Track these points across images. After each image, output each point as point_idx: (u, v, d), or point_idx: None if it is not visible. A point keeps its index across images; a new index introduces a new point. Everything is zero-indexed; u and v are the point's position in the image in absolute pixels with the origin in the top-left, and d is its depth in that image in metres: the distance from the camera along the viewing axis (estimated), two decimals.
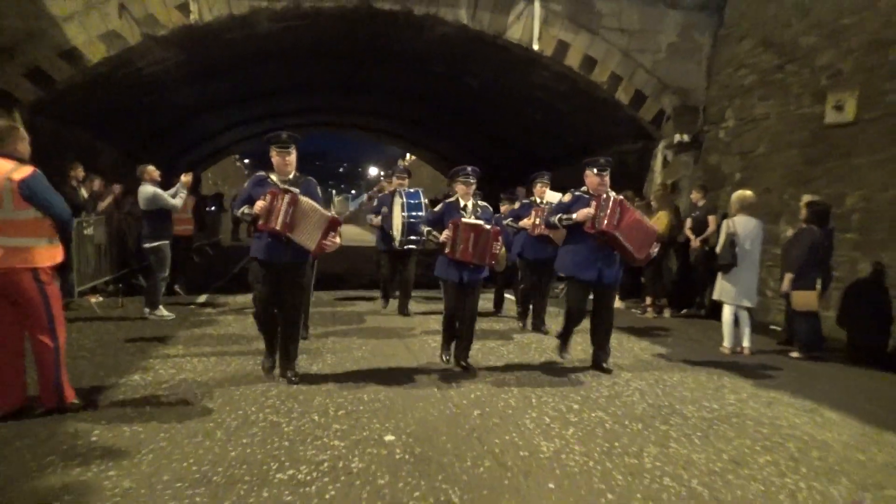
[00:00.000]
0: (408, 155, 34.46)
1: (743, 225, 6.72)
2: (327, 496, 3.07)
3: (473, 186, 5.47)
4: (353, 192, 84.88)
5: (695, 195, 8.94)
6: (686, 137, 10.05)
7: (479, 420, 4.21)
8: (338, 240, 4.69)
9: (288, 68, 12.63)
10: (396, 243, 7.61)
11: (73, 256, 7.72)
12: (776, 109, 8.71)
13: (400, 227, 7.44)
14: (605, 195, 5.27)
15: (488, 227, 5.21)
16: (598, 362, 5.63)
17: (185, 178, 7.69)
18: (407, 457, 3.56)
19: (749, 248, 6.64)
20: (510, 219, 7.32)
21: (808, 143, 8.11)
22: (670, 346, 6.80)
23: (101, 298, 8.58)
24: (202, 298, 9.10)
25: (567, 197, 5.54)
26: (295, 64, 12.34)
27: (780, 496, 3.23)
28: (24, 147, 4.00)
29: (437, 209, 5.63)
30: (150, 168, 7.33)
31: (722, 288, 6.80)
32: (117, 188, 9.82)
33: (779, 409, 4.68)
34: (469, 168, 5.47)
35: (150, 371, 5.19)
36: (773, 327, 7.92)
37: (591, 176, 5.47)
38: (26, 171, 3.87)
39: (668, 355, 6.39)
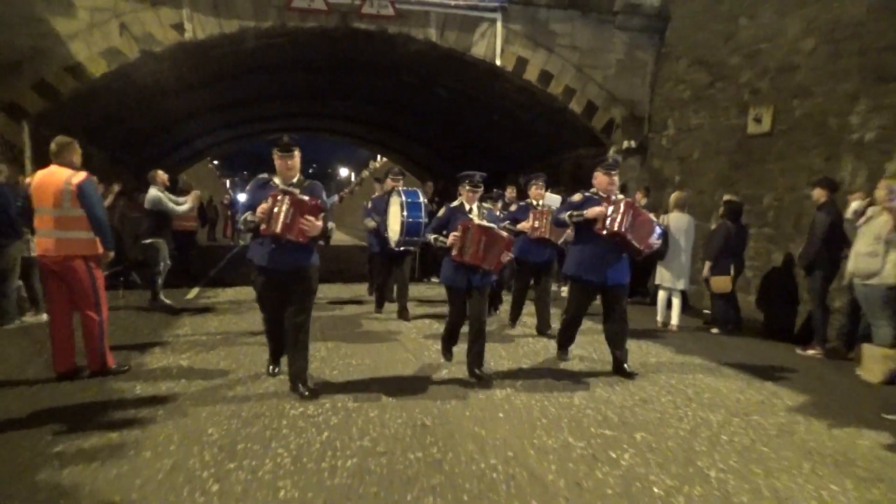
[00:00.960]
0: (379, 157, 35.40)
1: (676, 220, 7.90)
2: (332, 422, 4.06)
3: (479, 193, 5.38)
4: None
5: (638, 196, 10.11)
6: (633, 144, 11.24)
7: (447, 376, 5.25)
8: (318, 223, 4.32)
9: (271, 78, 13.52)
10: (393, 244, 7.36)
11: None
12: (708, 120, 9.94)
13: (398, 228, 7.18)
14: (615, 198, 5.26)
15: (504, 234, 5.14)
16: (619, 366, 5.49)
17: (197, 192, 8.69)
18: (391, 399, 4.57)
19: (679, 239, 7.80)
20: (507, 221, 7.07)
21: (733, 150, 9.33)
22: None
23: None
24: (195, 291, 9.95)
25: (577, 197, 5.45)
26: (277, 74, 13.24)
27: (671, 420, 4.33)
28: (78, 158, 4.91)
29: (440, 214, 5.45)
30: (160, 173, 8.20)
31: (660, 274, 7.98)
32: (116, 188, 10.58)
33: (688, 368, 5.81)
34: (478, 175, 5.34)
35: (168, 346, 6.10)
36: (705, 311, 9.10)
37: (600, 176, 5.38)
38: (81, 175, 4.79)
39: None
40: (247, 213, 4.47)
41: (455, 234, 5.02)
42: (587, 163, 12.01)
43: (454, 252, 5.02)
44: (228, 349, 6.01)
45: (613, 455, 3.66)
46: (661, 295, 8.00)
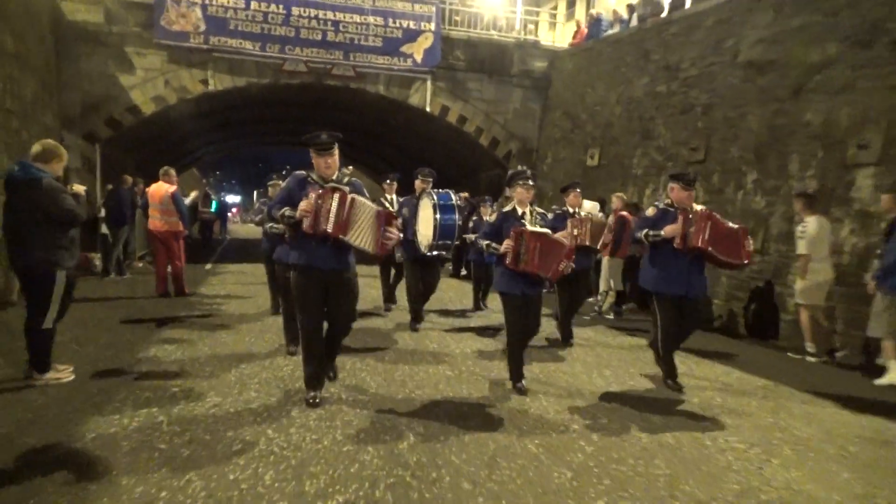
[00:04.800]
0: (351, 168, 39.49)
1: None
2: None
3: (533, 192, 5.18)
4: None
5: None
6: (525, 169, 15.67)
7: (416, 334, 9.55)
8: (397, 233, 4.35)
9: (261, 110, 17.73)
10: (424, 249, 7.04)
11: (135, 236, 12.66)
12: (569, 155, 14.48)
13: (430, 233, 6.88)
14: (692, 209, 5.09)
15: (564, 241, 4.97)
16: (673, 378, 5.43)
17: (193, 194, 12.88)
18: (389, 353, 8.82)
19: None
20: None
21: (580, 177, 13.80)
22: None
23: (142, 263, 13.51)
24: (210, 265, 14.13)
25: (651, 211, 5.35)
26: (267, 107, 17.46)
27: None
28: (170, 178, 9.13)
29: (493, 220, 5.33)
30: None
31: None
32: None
33: None
34: (528, 171, 5.11)
35: (210, 286, 10.34)
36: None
37: (676, 190, 5.20)
38: (174, 188, 9.03)
39: None
40: (284, 209, 4.29)
41: (508, 241, 4.82)
42: (495, 181, 16.56)
43: (508, 260, 4.81)
44: (247, 287, 10.28)
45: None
46: None
